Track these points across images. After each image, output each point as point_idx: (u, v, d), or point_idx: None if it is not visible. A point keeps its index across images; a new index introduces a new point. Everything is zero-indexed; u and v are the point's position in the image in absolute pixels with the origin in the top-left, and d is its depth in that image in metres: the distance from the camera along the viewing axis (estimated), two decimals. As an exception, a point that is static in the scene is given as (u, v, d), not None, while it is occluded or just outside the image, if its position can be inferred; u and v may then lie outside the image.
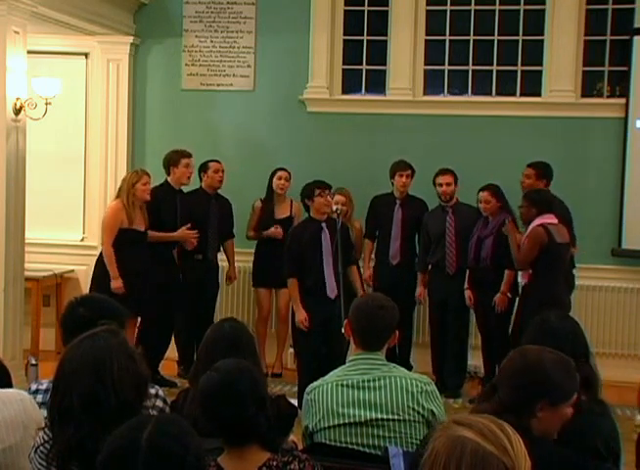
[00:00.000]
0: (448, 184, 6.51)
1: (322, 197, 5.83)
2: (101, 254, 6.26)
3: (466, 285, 6.44)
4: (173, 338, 6.79)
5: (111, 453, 1.86)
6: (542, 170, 6.41)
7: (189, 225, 6.54)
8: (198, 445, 1.92)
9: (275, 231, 6.77)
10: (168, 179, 6.64)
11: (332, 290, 5.78)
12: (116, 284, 6.04)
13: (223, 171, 6.80)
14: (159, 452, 1.84)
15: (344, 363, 3.24)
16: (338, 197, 6.54)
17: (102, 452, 1.88)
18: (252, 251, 6.97)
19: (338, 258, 5.70)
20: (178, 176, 6.60)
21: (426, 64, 7.36)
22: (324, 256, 5.80)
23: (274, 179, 6.89)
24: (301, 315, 5.75)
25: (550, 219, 5.80)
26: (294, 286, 5.84)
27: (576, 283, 6.47)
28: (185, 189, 6.75)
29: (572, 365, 2.49)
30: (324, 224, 5.85)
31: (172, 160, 6.61)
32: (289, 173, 6.90)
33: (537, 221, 5.80)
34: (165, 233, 6.52)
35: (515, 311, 6.12)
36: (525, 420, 2.32)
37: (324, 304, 5.75)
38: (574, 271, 6.40)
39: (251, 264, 7.04)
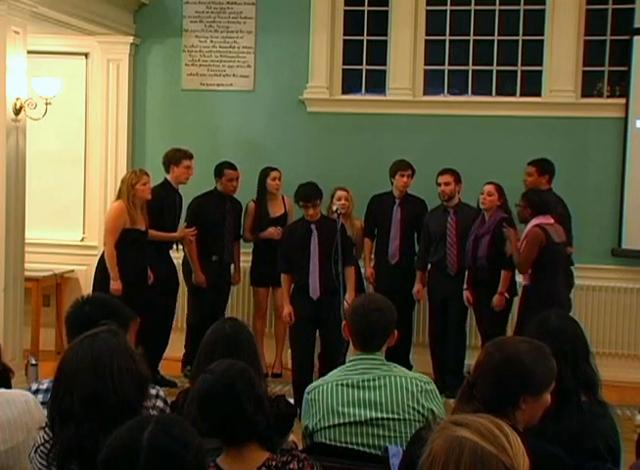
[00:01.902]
0: (447, 184, 6.49)
1: (305, 208, 5.94)
2: (102, 256, 6.25)
3: (465, 285, 6.43)
4: (185, 338, 6.80)
5: (111, 453, 1.86)
6: (543, 166, 6.43)
7: (186, 224, 6.54)
8: (198, 444, 1.91)
9: (272, 232, 6.77)
10: (168, 178, 6.63)
11: (314, 291, 5.86)
12: (116, 286, 6.03)
13: (237, 180, 6.76)
14: (159, 452, 1.83)
15: (344, 363, 3.25)
16: (340, 192, 6.56)
17: (102, 452, 1.87)
18: (250, 251, 6.98)
19: (338, 259, 5.71)
20: (177, 175, 6.59)
21: (426, 64, 7.35)
22: (311, 257, 5.86)
23: (268, 180, 6.88)
24: (286, 309, 6.01)
25: (546, 220, 5.81)
26: (284, 281, 6.08)
27: (576, 282, 6.49)
28: (197, 190, 6.74)
29: (547, 350, 2.49)
30: (313, 226, 5.90)
31: (174, 158, 6.59)
32: (279, 172, 6.91)
33: (534, 222, 5.80)
34: (165, 233, 6.52)
35: (517, 311, 6.11)
36: (510, 417, 2.32)
37: (307, 302, 5.88)
38: (573, 270, 6.41)
39: (248, 264, 7.04)
